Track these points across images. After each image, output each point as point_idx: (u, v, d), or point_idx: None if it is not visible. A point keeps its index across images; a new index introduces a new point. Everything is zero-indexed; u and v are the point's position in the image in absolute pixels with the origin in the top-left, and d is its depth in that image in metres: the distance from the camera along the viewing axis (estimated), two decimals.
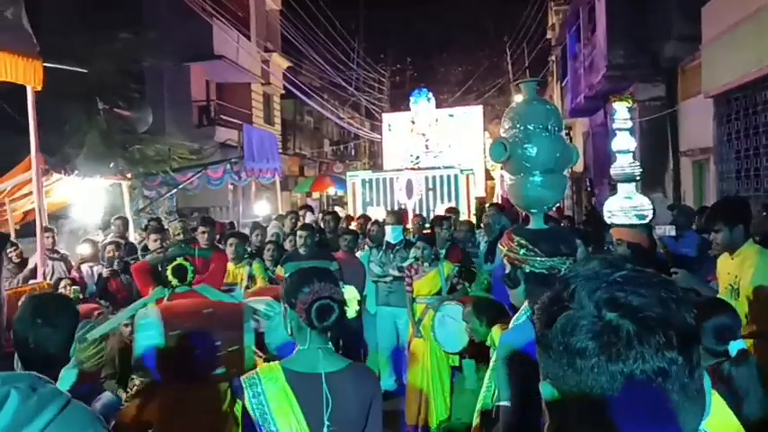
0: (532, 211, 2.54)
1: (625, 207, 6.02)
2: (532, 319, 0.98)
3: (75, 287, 6.08)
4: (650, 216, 6.15)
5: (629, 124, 6.56)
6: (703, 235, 5.68)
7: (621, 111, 6.52)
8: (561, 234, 2.53)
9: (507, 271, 2.40)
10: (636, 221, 5.84)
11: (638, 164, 6.44)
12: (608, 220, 6.07)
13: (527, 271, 2.31)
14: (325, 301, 2.33)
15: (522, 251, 2.29)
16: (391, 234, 7.40)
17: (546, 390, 0.92)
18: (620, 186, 6.35)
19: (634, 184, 6.33)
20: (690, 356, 0.86)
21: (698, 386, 0.87)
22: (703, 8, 10.24)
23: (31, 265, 7.15)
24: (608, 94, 14.56)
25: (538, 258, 2.26)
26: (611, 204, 6.20)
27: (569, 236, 2.68)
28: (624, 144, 6.42)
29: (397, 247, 7.24)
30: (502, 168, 2.72)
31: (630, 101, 6.63)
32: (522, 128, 2.46)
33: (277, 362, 2.44)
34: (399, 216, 8.02)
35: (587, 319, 0.87)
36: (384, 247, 7.33)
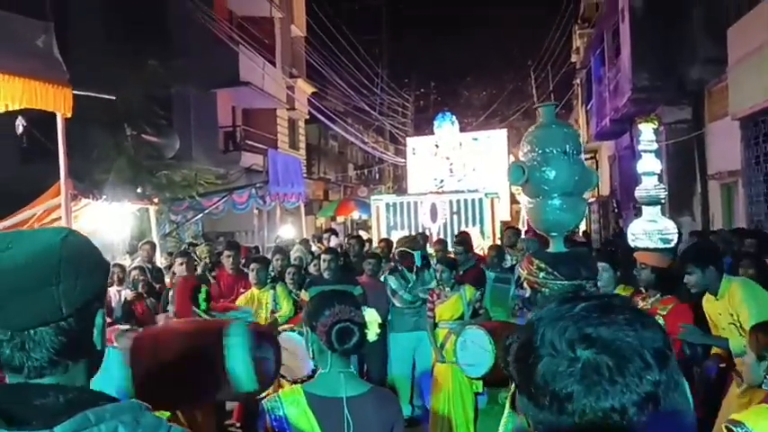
0: (552, 234, 2.51)
1: (649, 230, 5.93)
2: (509, 371, 0.96)
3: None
4: (675, 240, 6.03)
5: (655, 146, 6.47)
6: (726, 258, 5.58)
7: (647, 132, 6.44)
8: (581, 257, 2.51)
9: (528, 294, 2.38)
10: (660, 245, 5.74)
11: (663, 186, 6.35)
12: (632, 244, 5.98)
13: (547, 294, 2.28)
14: (345, 323, 2.32)
15: (542, 274, 2.26)
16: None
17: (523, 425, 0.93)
18: (644, 209, 6.25)
19: (659, 207, 6.23)
20: (670, 370, 0.86)
21: (682, 393, 0.87)
22: (729, 30, 10.16)
23: None
24: (633, 117, 14.46)
25: (558, 282, 2.23)
26: (636, 227, 6.11)
27: (589, 259, 2.65)
28: (649, 166, 6.33)
29: (418, 272, 7.20)
30: (522, 191, 2.71)
31: (656, 122, 6.56)
32: (540, 151, 2.45)
33: (299, 385, 2.45)
34: (418, 241, 8.01)
35: (565, 363, 0.87)
36: (402, 273, 7.27)
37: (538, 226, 2.63)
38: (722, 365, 4.22)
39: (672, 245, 5.95)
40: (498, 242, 10.55)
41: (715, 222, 11.95)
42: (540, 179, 2.45)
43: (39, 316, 1.14)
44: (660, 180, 11.94)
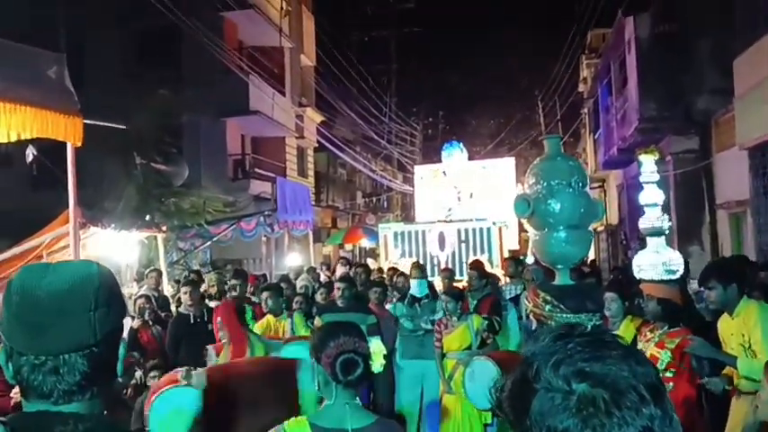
0: (557, 266, 2.50)
1: (654, 262, 5.89)
2: (503, 408, 0.95)
3: None
4: (680, 271, 5.98)
5: (656, 177, 6.44)
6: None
7: (648, 163, 6.42)
8: (587, 290, 2.50)
9: (533, 327, 2.37)
10: (665, 276, 5.71)
11: (666, 217, 6.31)
12: (637, 275, 5.94)
13: (553, 327, 2.27)
14: (349, 354, 2.32)
15: (548, 307, 2.25)
16: (416, 288, 7.35)
17: None
18: (648, 240, 6.23)
19: (663, 238, 6.20)
20: (664, 405, 0.86)
21: (676, 429, 0.87)
22: (735, 62, 10.21)
23: None
24: (641, 146, 14.45)
25: (563, 315, 2.22)
26: (641, 259, 6.08)
27: (595, 292, 2.64)
28: (652, 197, 6.31)
29: (423, 301, 7.18)
30: (527, 223, 2.72)
31: (657, 153, 6.53)
32: (545, 184, 2.45)
33: (304, 416, 2.44)
34: (424, 269, 8.00)
35: (560, 397, 0.86)
36: (409, 300, 7.27)
37: (543, 258, 2.62)
38: (728, 387, 4.19)
39: (676, 275, 5.90)
40: (502, 271, 10.53)
41: (724, 252, 11.88)
42: (546, 212, 2.45)
43: (75, 340, 1.19)
44: (667, 210, 11.93)
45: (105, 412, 1.30)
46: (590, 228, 2.70)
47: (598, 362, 0.87)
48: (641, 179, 6.48)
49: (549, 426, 0.86)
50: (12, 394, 4.62)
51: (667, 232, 6.29)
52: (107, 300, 1.24)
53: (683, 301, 4.82)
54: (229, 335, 5.21)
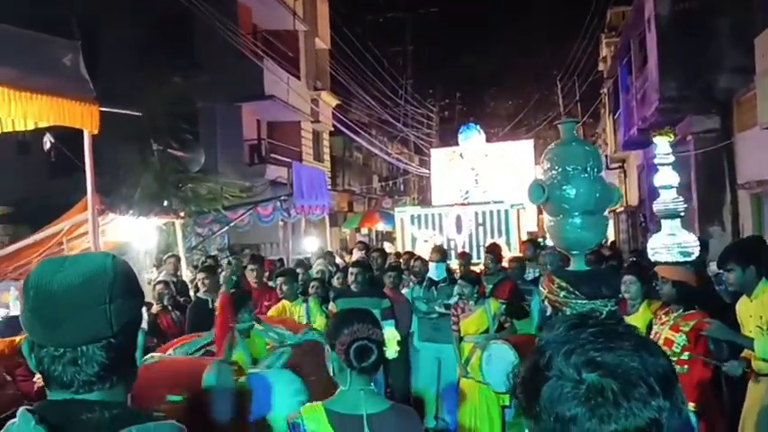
0: (573, 252, 2.47)
1: (668, 244, 5.83)
2: (516, 394, 0.97)
3: None
4: (696, 253, 5.91)
5: (671, 159, 6.35)
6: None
7: (662, 145, 6.33)
8: (603, 276, 2.47)
9: (548, 313, 2.34)
10: (680, 259, 5.64)
11: (681, 199, 6.23)
12: (651, 258, 5.88)
13: (568, 314, 2.25)
14: (363, 341, 2.35)
15: (563, 293, 2.23)
16: (435, 271, 7.33)
17: None
18: (663, 223, 6.15)
19: (678, 220, 6.12)
20: (674, 397, 0.87)
21: (685, 421, 0.85)
22: (756, 39, 9.99)
23: None
24: (661, 127, 14.23)
25: (578, 301, 2.20)
26: (655, 241, 6.01)
27: (611, 277, 2.60)
28: (667, 179, 6.23)
29: (441, 284, 7.17)
30: (543, 209, 2.68)
31: (672, 135, 6.43)
32: (560, 169, 2.42)
33: (320, 402, 2.46)
34: (444, 253, 7.99)
35: (570, 385, 0.88)
36: (427, 284, 7.26)
37: (559, 244, 2.59)
38: (747, 369, 4.15)
39: (692, 258, 5.83)
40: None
41: (745, 232, 11.72)
42: (561, 197, 2.41)
43: (92, 333, 1.22)
44: (687, 191, 11.78)
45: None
46: (606, 213, 2.66)
47: (610, 352, 0.88)
48: (656, 161, 6.39)
49: (558, 413, 0.88)
50: (35, 379, 4.69)
51: (683, 214, 6.21)
52: (122, 292, 1.26)
53: (699, 284, 4.76)
54: (216, 330, 5.20)
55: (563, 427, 0.87)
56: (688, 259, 5.74)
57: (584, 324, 0.94)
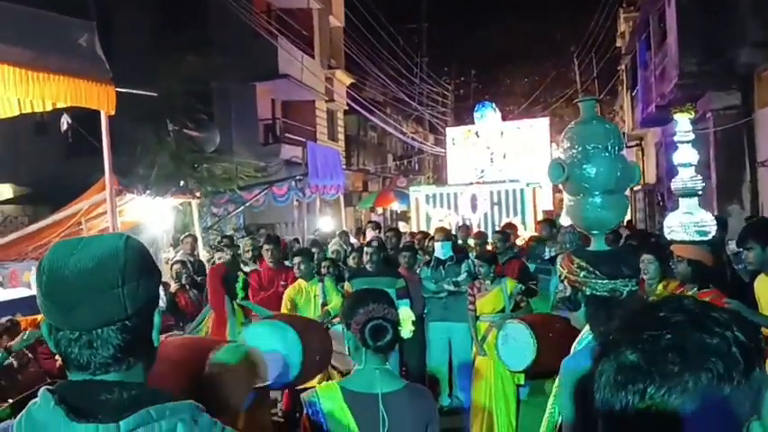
0: (593, 232, 2.45)
1: (685, 222, 5.78)
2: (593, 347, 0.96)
3: None
4: (712, 232, 5.86)
5: (692, 136, 6.27)
6: None
7: (683, 122, 6.24)
8: (623, 256, 2.45)
9: (568, 293, 2.33)
10: (696, 237, 5.59)
11: (699, 178, 6.16)
12: (668, 236, 5.83)
13: (588, 294, 2.24)
14: (378, 321, 2.36)
15: (583, 273, 2.22)
16: (440, 250, 7.33)
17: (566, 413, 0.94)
18: (681, 201, 6.10)
19: (696, 198, 6.06)
20: (719, 389, 0.86)
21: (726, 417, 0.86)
22: None
23: None
24: (680, 103, 14.01)
25: (599, 281, 2.18)
26: (671, 220, 5.96)
27: (631, 257, 2.58)
28: (686, 157, 6.15)
29: (448, 263, 7.17)
30: (563, 188, 2.66)
31: (693, 111, 6.33)
32: (580, 148, 2.39)
33: (335, 381, 2.54)
34: (448, 232, 8.00)
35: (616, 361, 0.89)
36: (434, 264, 7.27)
37: (578, 224, 2.57)
38: (764, 346, 4.11)
39: (708, 237, 5.77)
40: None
41: (764, 211, 11.58)
42: (581, 177, 2.38)
43: (106, 316, 1.22)
44: (707, 168, 11.63)
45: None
46: (626, 192, 2.63)
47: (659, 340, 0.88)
48: (676, 138, 6.31)
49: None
50: (57, 357, 4.77)
51: (701, 193, 6.16)
52: (135, 274, 1.25)
53: (715, 263, 4.72)
54: (210, 300, 5.24)
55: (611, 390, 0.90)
56: (705, 238, 5.69)
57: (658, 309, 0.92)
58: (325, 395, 2.38)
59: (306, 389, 2.99)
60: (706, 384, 0.86)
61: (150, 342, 1.32)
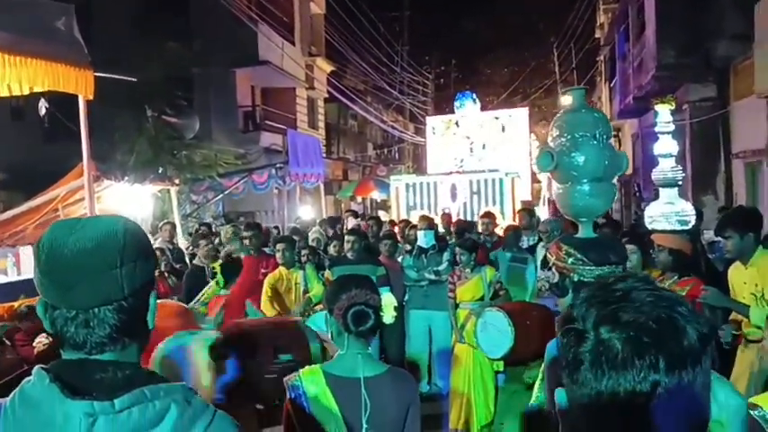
0: (581, 219, 2.49)
1: (666, 212, 5.89)
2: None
3: None
4: (693, 222, 5.97)
5: (672, 127, 6.37)
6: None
7: (663, 113, 6.34)
8: (610, 243, 2.50)
9: (556, 280, 2.37)
10: (678, 227, 5.70)
11: (680, 168, 6.27)
12: (649, 226, 5.93)
13: (575, 280, 2.28)
14: (360, 306, 2.40)
15: (571, 260, 2.26)
16: (423, 239, 7.38)
17: (560, 396, 0.97)
18: (661, 191, 6.20)
19: (676, 188, 6.16)
20: (679, 377, 0.87)
21: (692, 403, 0.89)
22: (756, 5, 9.92)
23: None
24: (658, 95, 14.17)
25: (586, 267, 2.23)
26: (653, 210, 6.06)
27: (619, 244, 2.63)
28: (666, 147, 6.26)
29: (430, 252, 7.22)
30: (551, 176, 2.70)
31: (673, 103, 6.43)
32: (569, 136, 2.43)
33: (318, 365, 2.54)
34: (431, 221, 8.04)
35: (587, 336, 0.91)
36: (416, 252, 7.31)
37: (567, 211, 2.61)
38: (736, 332, 4.22)
39: (689, 226, 5.89)
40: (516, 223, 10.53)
41: (738, 202, 11.77)
42: (570, 165, 2.42)
43: (103, 296, 1.24)
44: (682, 159, 11.78)
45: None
46: (614, 180, 2.68)
47: (635, 314, 0.90)
48: (656, 129, 6.40)
49: (571, 355, 0.93)
50: (34, 344, 4.72)
51: (681, 183, 6.26)
52: (134, 256, 1.27)
53: (693, 252, 4.82)
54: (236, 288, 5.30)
55: (571, 370, 0.93)
56: (685, 228, 5.80)
57: (628, 286, 0.95)
58: (309, 379, 2.41)
59: None
60: (682, 371, 0.88)
61: (145, 323, 1.33)
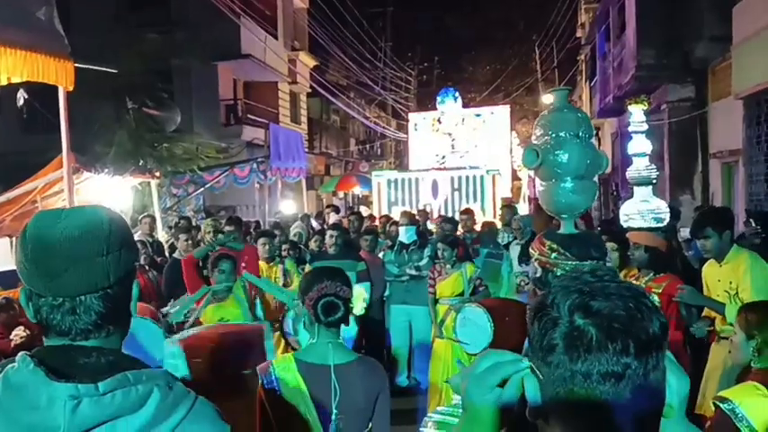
0: (563, 216, 2.55)
1: (642, 210, 6.00)
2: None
3: None
4: (667, 219, 6.09)
5: (645, 127, 6.50)
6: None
7: (637, 113, 6.47)
8: (592, 238, 2.57)
9: (539, 274, 2.43)
10: (653, 225, 5.80)
11: (654, 167, 6.40)
12: (624, 224, 6.03)
13: (558, 274, 2.34)
14: (330, 298, 2.51)
15: (554, 255, 2.32)
16: (405, 234, 7.42)
17: (530, 389, 1.00)
18: (636, 189, 6.31)
19: (651, 187, 6.28)
20: (646, 362, 0.94)
21: (654, 386, 0.95)
22: (735, 8, 10.07)
23: None
24: (637, 95, 14.32)
25: (569, 262, 2.29)
26: (628, 208, 6.17)
27: (600, 240, 2.69)
28: (640, 147, 6.39)
29: (412, 247, 7.27)
30: (534, 174, 2.76)
31: (646, 103, 6.56)
32: (553, 135, 2.49)
33: (290, 353, 2.67)
34: (412, 216, 8.09)
35: (561, 321, 0.96)
36: (398, 248, 7.35)
37: (549, 208, 2.67)
38: (710, 329, 4.30)
39: (664, 224, 6.01)
40: (497, 219, 10.60)
41: (715, 201, 11.95)
42: (554, 162, 2.49)
43: (90, 283, 1.27)
44: (660, 159, 11.93)
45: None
46: (595, 178, 2.74)
47: (606, 305, 0.95)
48: (630, 129, 6.52)
49: (543, 340, 0.98)
50: (11, 336, 4.68)
51: (655, 182, 6.38)
52: (119, 244, 1.30)
53: (669, 250, 4.91)
54: (189, 291, 5.26)
55: (543, 354, 0.97)
56: (660, 225, 5.90)
57: (599, 277, 1.00)
58: (281, 366, 2.52)
59: None
60: (648, 360, 0.95)
61: (128, 311, 1.36)
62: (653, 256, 4.56)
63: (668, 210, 6.24)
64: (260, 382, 2.49)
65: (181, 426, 1.23)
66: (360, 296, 2.85)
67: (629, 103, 6.64)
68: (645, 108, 6.58)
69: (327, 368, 2.47)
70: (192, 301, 4.67)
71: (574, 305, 0.96)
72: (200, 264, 5.72)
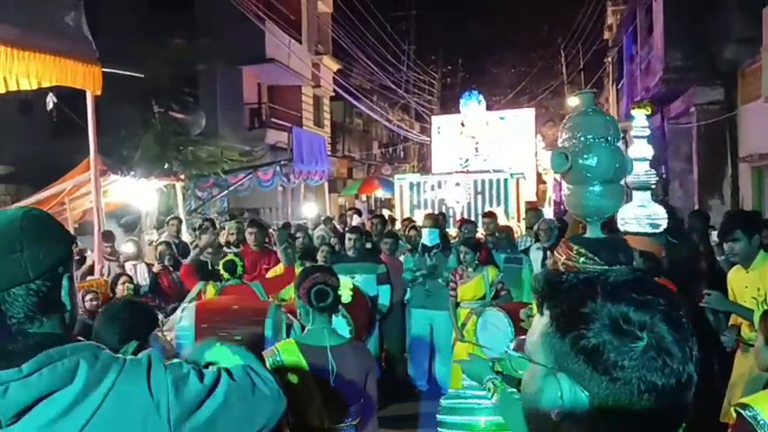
0: (589, 220, 2.51)
1: (639, 215, 5.96)
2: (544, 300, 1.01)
3: (129, 285, 6.24)
4: (663, 225, 6.02)
5: (647, 132, 6.46)
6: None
7: (640, 118, 6.43)
8: (619, 243, 2.51)
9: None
10: (649, 230, 5.74)
11: (654, 172, 6.36)
12: (621, 228, 5.97)
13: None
14: (320, 285, 2.86)
15: (582, 259, 2.28)
16: (427, 237, 7.35)
17: (576, 395, 0.93)
18: (635, 194, 6.24)
19: (649, 192, 6.23)
20: (695, 366, 0.92)
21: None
22: (765, 9, 9.88)
23: (89, 263, 7.41)
24: (665, 98, 14.17)
25: (597, 267, 2.24)
26: (626, 212, 6.09)
27: (626, 244, 2.64)
28: (641, 152, 6.35)
29: (434, 251, 7.18)
30: (561, 178, 2.73)
31: (649, 108, 6.51)
32: (582, 138, 2.46)
33: (292, 338, 3.11)
34: (436, 219, 8.02)
35: (627, 340, 0.91)
36: (420, 250, 7.28)
37: (577, 212, 2.64)
38: (737, 337, 4.20)
39: (660, 230, 5.94)
40: (522, 223, 10.51)
41: (744, 205, 11.73)
42: (582, 166, 2.46)
43: (9, 279, 1.33)
44: (689, 162, 11.75)
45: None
46: (622, 182, 2.70)
47: (654, 314, 0.92)
48: (632, 133, 6.47)
49: (608, 358, 0.91)
50: None
51: (654, 187, 6.33)
52: (36, 241, 1.36)
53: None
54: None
55: (607, 368, 0.91)
56: (656, 231, 5.83)
57: (646, 281, 0.97)
58: (284, 349, 2.87)
59: None
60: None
61: (60, 303, 1.41)
62: (647, 261, 4.50)
63: (666, 216, 6.18)
64: (267, 362, 2.72)
65: (114, 388, 1.28)
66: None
67: (632, 108, 6.60)
68: (648, 113, 6.54)
69: (324, 349, 2.82)
70: (191, 300, 4.87)
71: (621, 312, 0.92)
72: (211, 266, 5.79)
